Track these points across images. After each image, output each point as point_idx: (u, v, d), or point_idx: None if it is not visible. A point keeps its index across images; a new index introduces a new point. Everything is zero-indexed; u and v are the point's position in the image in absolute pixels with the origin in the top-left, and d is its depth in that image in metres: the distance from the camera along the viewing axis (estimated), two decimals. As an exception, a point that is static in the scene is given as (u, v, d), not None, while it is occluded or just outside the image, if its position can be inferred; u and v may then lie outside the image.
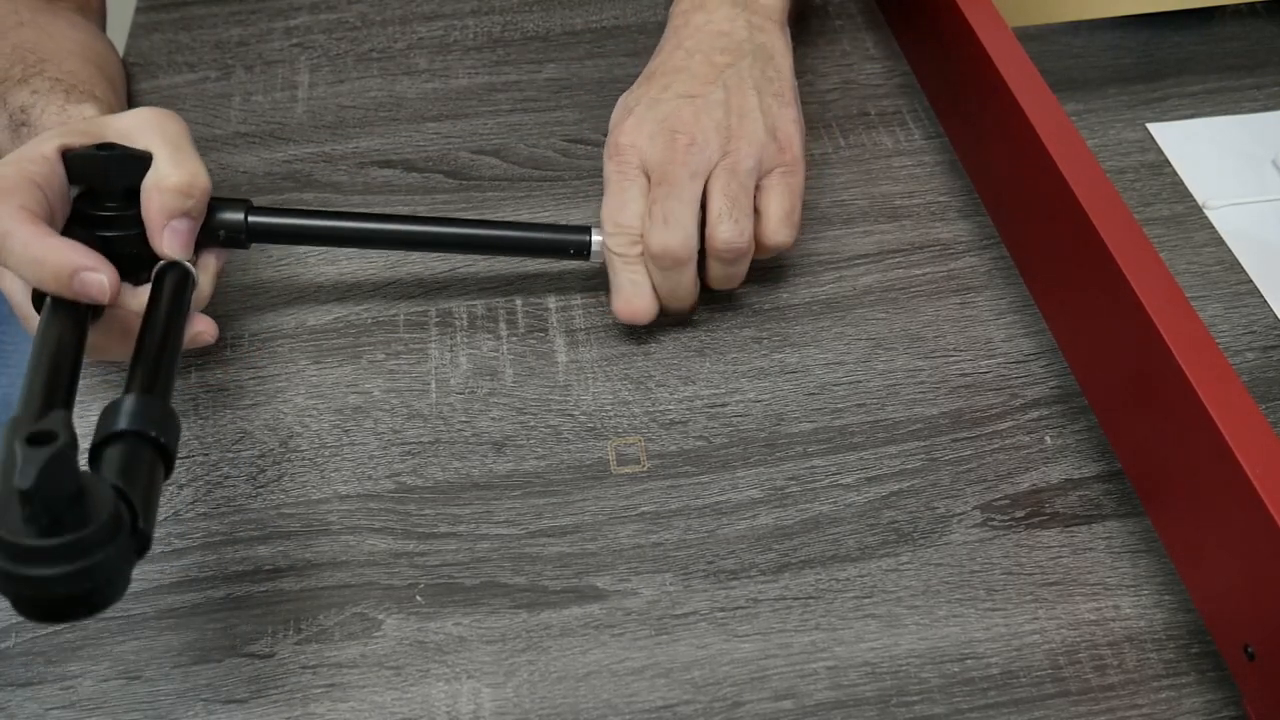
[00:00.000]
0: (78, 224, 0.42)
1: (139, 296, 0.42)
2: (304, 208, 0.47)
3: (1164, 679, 0.39)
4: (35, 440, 0.27)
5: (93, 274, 0.38)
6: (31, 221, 0.38)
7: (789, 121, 0.48)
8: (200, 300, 0.44)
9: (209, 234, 0.44)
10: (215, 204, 0.44)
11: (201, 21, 0.67)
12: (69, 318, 0.38)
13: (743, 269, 0.48)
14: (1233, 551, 0.35)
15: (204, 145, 0.59)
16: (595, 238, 0.47)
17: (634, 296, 0.47)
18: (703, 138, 0.46)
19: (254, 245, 0.46)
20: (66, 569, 0.28)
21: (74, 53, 0.52)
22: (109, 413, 0.33)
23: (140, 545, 0.31)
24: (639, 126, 0.47)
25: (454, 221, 0.49)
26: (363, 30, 0.66)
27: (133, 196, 0.42)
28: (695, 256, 0.46)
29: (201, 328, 0.43)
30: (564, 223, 0.49)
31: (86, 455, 0.33)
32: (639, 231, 0.46)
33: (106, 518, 0.28)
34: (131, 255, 0.42)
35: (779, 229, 0.47)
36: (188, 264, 0.43)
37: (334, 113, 0.61)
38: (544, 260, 0.52)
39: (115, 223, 0.42)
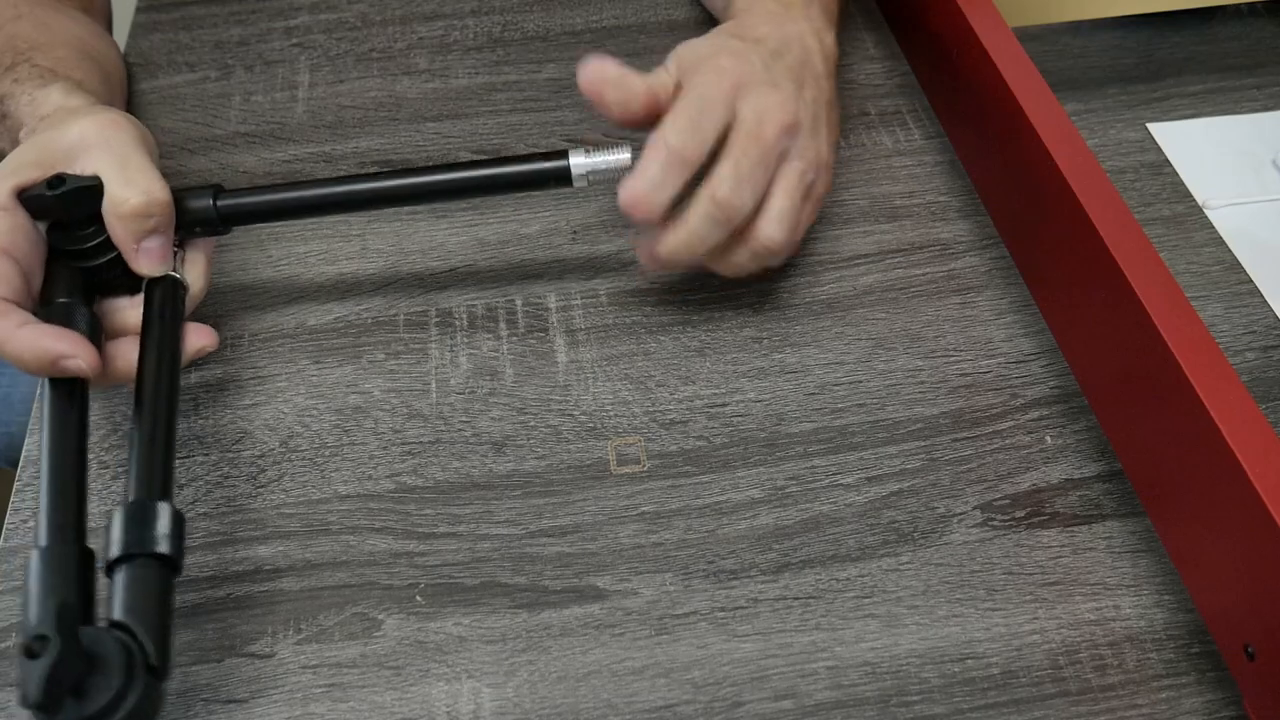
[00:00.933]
0: (57, 259, 0.42)
1: (137, 309, 0.42)
2: (274, 183, 0.46)
3: (1164, 679, 0.39)
4: (31, 652, 0.29)
5: (70, 360, 0.38)
6: (2, 315, 0.38)
7: (833, 161, 0.49)
8: (196, 296, 0.44)
9: (185, 229, 0.44)
10: (182, 195, 0.44)
11: (201, 21, 0.67)
12: (67, 390, 0.39)
13: (754, 266, 0.47)
14: (1233, 551, 0.35)
15: (204, 145, 0.59)
16: (575, 160, 0.45)
17: (652, 191, 0.43)
18: (797, 126, 0.45)
19: (248, 233, 0.46)
20: None
21: (67, 43, 0.52)
22: (117, 527, 0.35)
23: (159, 677, 0.32)
24: (752, 71, 0.45)
25: (429, 169, 0.46)
26: (363, 30, 0.66)
27: (100, 220, 0.41)
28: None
29: (203, 342, 0.43)
30: (539, 150, 0.47)
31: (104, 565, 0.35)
32: (698, 153, 0.43)
33: (118, 684, 0.30)
34: (119, 275, 0.42)
35: (792, 244, 0.46)
36: (173, 273, 0.43)
37: (334, 113, 0.61)
38: (528, 194, 0.50)
39: (90, 252, 0.42)
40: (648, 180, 0.42)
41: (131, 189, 0.41)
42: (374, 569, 0.42)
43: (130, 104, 0.62)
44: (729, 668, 0.39)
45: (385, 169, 0.46)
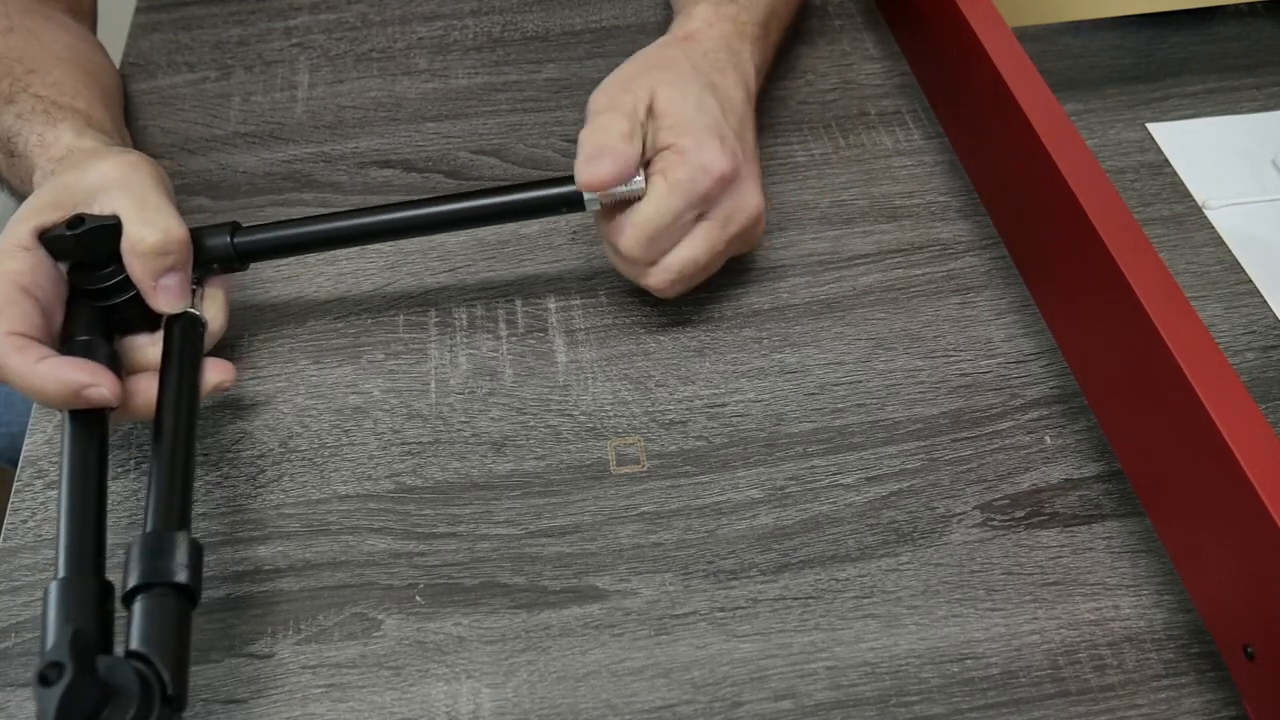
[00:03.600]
0: (78, 298, 0.42)
1: (157, 346, 0.43)
2: (290, 218, 0.47)
3: (1163, 679, 0.39)
4: (45, 680, 0.29)
5: (93, 389, 0.39)
6: (21, 350, 0.39)
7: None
8: (215, 332, 0.45)
9: (203, 266, 0.45)
10: (200, 234, 0.44)
11: (201, 21, 0.67)
12: (86, 422, 0.39)
13: (629, 273, 0.47)
14: (1232, 551, 0.35)
15: (204, 145, 0.59)
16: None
17: (606, 170, 0.43)
18: (734, 178, 0.45)
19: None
20: None
21: (63, 59, 0.52)
22: (136, 557, 0.35)
23: (176, 707, 0.32)
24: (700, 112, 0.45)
25: (442, 199, 0.47)
26: (362, 30, 0.66)
27: (119, 259, 0.42)
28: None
29: (221, 377, 0.43)
30: (549, 176, 0.46)
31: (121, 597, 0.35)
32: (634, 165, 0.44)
33: (134, 713, 0.31)
34: (139, 313, 0.43)
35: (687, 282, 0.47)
36: (192, 310, 0.43)
37: (333, 113, 0.61)
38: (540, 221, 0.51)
39: (110, 291, 0.42)
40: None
41: (149, 228, 0.41)
42: (373, 569, 0.42)
43: (129, 104, 0.62)
44: (728, 668, 0.39)
45: (402, 199, 0.47)
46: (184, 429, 0.40)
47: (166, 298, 0.42)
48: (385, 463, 0.45)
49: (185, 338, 0.42)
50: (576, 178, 0.44)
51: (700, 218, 0.45)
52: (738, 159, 0.45)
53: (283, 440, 0.46)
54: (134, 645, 0.33)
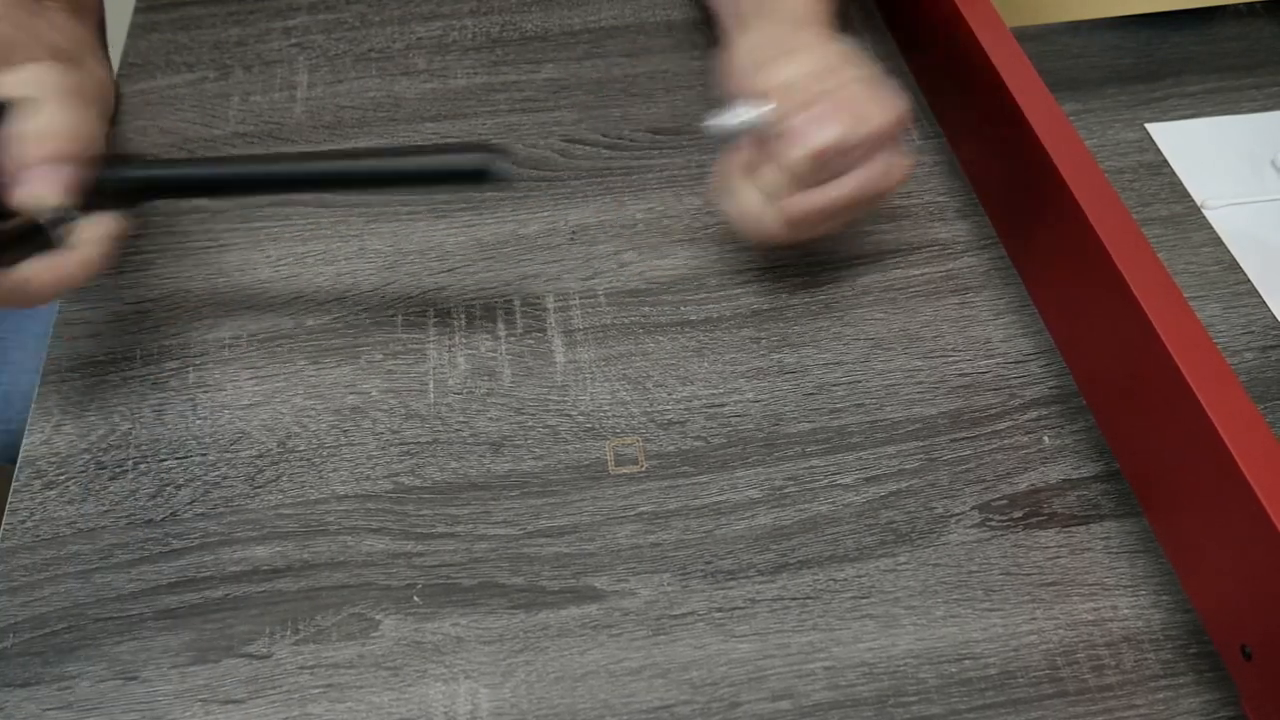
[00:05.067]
0: None
1: None
2: (188, 158, 0.43)
3: (1161, 679, 0.39)
4: None
5: None
6: None
7: None
8: (82, 261, 0.40)
9: (92, 197, 0.40)
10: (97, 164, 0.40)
11: (200, 21, 0.67)
12: None
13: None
14: (1230, 552, 0.35)
15: (203, 145, 0.59)
16: (719, 119, 0.45)
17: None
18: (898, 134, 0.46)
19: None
20: None
21: (47, 53, 0.52)
22: None
23: None
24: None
25: (338, 155, 0.43)
26: (361, 30, 0.66)
27: None
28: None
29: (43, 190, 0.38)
30: (457, 140, 0.44)
31: None
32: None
33: None
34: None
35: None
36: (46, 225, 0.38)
37: (332, 113, 0.61)
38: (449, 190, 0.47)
39: None
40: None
41: (35, 114, 0.38)
42: (371, 569, 0.42)
43: (129, 104, 0.62)
44: (726, 668, 0.39)
45: (309, 149, 0.43)
46: None
47: (32, 185, 0.38)
48: (384, 463, 0.45)
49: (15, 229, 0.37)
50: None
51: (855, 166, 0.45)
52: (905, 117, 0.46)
53: (281, 440, 0.46)
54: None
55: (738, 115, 0.45)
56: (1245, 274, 0.51)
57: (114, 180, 0.41)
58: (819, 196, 0.45)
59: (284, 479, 0.45)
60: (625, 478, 0.45)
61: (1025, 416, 0.46)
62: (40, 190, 0.38)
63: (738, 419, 0.46)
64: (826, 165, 0.44)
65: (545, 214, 0.55)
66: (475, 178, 0.41)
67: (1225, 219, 0.53)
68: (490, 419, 0.47)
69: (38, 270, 0.38)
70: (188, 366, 0.49)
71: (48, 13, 0.56)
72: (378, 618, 0.41)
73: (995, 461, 0.45)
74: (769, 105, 0.45)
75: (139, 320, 0.51)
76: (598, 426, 0.46)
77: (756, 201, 0.46)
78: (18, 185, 0.38)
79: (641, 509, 0.44)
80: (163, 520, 0.44)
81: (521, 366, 0.49)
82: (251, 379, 0.48)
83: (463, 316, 0.51)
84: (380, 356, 0.49)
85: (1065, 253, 0.45)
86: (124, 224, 0.42)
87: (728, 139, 0.46)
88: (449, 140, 0.44)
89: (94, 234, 0.40)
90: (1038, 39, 0.63)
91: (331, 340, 0.50)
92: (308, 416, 0.47)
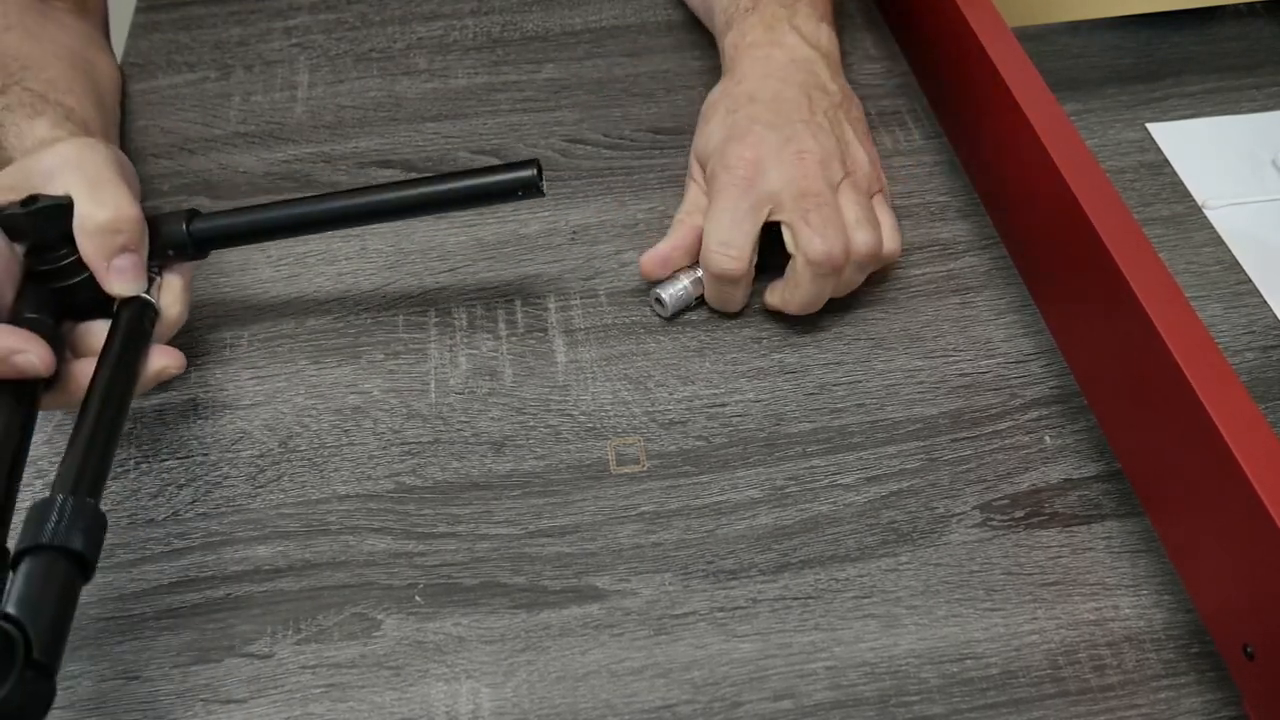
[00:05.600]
0: (33, 280, 0.42)
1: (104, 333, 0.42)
2: (249, 204, 0.46)
3: (1163, 679, 0.39)
4: None
5: (21, 355, 0.38)
6: None
7: (875, 153, 0.51)
8: (171, 322, 0.44)
9: (159, 254, 0.44)
10: (156, 220, 0.44)
11: (201, 21, 0.67)
12: (13, 392, 0.38)
13: (863, 276, 0.49)
14: (1232, 551, 0.35)
15: (203, 145, 0.59)
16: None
17: (732, 306, 0.50)
18: (827, 157, 0.47)
19: (236, 250, 0.46)
20: None
21: (59, 58, 0.52)
22: (30, 519, 0.33)
23: (41, 674, 0.30)
24: (762, 141, 0.48)
25: (398, 185, 0.46)
26: (362, 30, 0.66)
27: (73, 241, 0.42)
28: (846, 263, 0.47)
29: (165, 362, 0.42)
30: (506, 161, 0.47)
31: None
32: (747, 257, 0.47)
33: None
34: (94, 298, 0.42)
35: (893, 236, 0.49)
36: (145, 295, 0.43)
37: (333, 113, 0.61)
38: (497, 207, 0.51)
39: (64, 272, 0.42)
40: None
41: (99, 205, 0.41)
42: (373, 569, 0.42)
43: (130, 104, 0.62)
44: (728, 668, 0.39)
45: (364, 184, 0.46)
46: (112, 402, 0.38)
47: (120, 279, 0.42)
48: (385, 463, 0.45)
49: (132, 320, 0.42)
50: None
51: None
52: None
53: (282, 440, 0.46)
54: (7, 607, 0.31)
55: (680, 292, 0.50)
56: (1246, 274, 0.51)
57: (176, 237, 0.44)
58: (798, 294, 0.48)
59: (285, 479, 0.45)
60: (627, 477, 0.45)
61: (1026, 416, 0.46)
62: (128, 283, 0.42)
63: (739, 419, 0.46)
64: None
65: (546, 214, 0.55)
66: (524, 191, 0.45)
67: (1226, 219, 0.54)
68: (492, 419, 0.47)
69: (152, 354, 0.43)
70: (188, 366, 0.49)
71: (55, 13, 0.56)
72: (379, 617, 0.41)
73: (996, 461, 0.45)
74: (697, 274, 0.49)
75: (140, 320, 0.51)
76: (599, 426, 0.46)
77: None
78: (108, 278, 0.42)
79: (643, 509, 0.44)
80: (164, 520, 0.44)
81: (523, 366, 0.49)
82: (252, 379, 0.48)
83: (464, 316, 0.51)
84: (381, 356, 0.49)
85: (1066, 253, 0.45)
86: (191, 271, 0.46)
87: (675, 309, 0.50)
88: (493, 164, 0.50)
89: (171, 291, 0.44)
90: (1038, 39, 0.63)
91: (333, 340, 0.50)
92: (309, 416, 0.47)
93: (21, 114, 0.48)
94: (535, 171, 0.44)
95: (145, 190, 0.56)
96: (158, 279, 0.44)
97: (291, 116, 0.61)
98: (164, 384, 0.48)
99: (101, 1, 0.62)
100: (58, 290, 0.42)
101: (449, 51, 0.65)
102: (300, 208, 0.46)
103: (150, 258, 0.43)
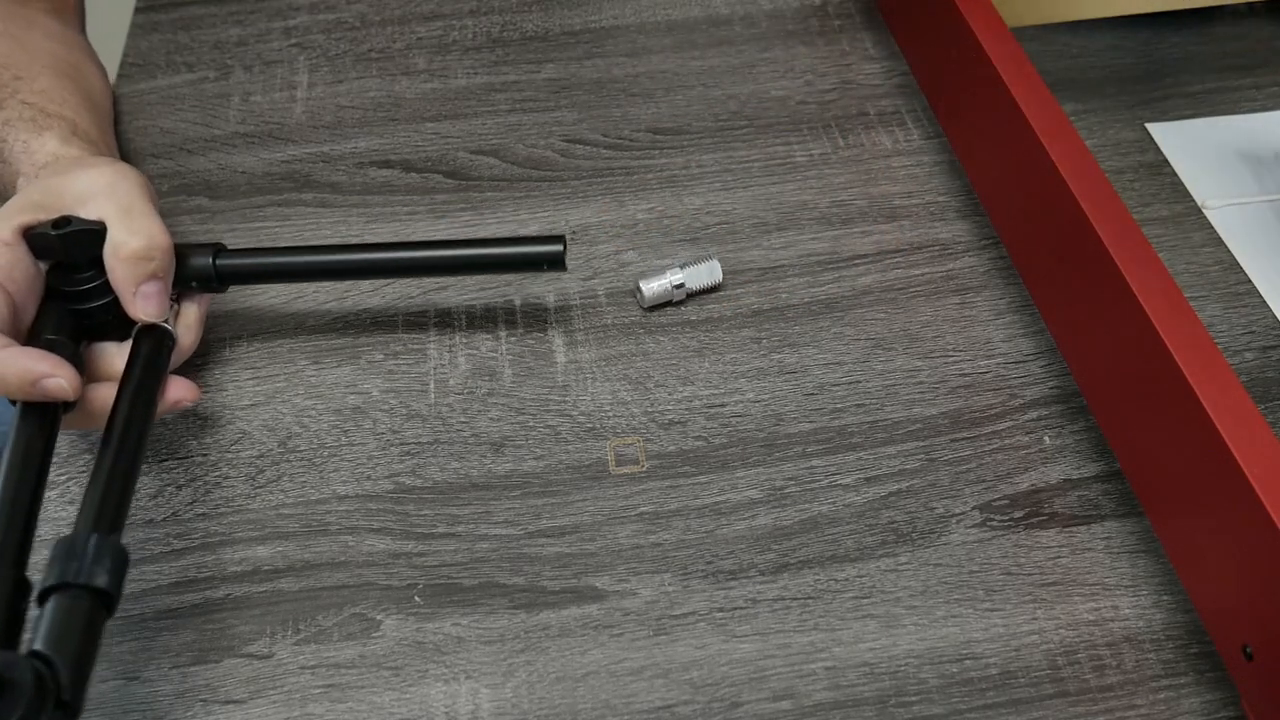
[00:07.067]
0: (53, 299, 0.42)
1: (124, 355, 0.42)
2: (276, 245, 0.47)
3: (1162, 679, 0.39)
4: None
5: (51, 379, 0.38)
6: None
7: None
8: (184, 350, 0.44)
9: (182, 283, 0.45)
10: (184, 250, 0.45)
11: (200, 21, 0.67)
12: (38, 417, 0.39)
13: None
14: (1231, 552, 0.35)
15: (203, 145, 0.59)
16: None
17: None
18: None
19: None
20: None
21: (49, 67, 0.52)
22: (56, 555, 0.34)
23: (70, 713, 0.31)
24: None
25: (424, 245, 0.48)
26: (361, 30, 0.66)
27: (99, 265, 0.42)
28: None
29: (181, 394, 0.42)
30: (534, 234, 0.48)
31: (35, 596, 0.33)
32: None
33: (21, 713, 0.29)
34: (111, 320, 0.43)
35: None
36: (164, 324, 0.43)
37: (333, 113, 0.61)
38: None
39: (88, 295, 0.43)
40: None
41: (133, 234, 0.42)
42: (372, 569, 0.42)
43: (129, 104, 0.62)
44: (727, 668, 0.39)
45: (390, 241, 0.49)
46: (133, 436, 0.39)
47: (145, 305, 0.42)
48: (384, 463, 0.45)
49: (153, 349, 0.42)
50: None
51: None
52: None
53: (282, 440, 0.46)
54: (37, 645, 0.32)
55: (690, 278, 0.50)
56: (1245, 274, 0.51)
57: (201, 270, 0.45)
58: None
59: (285, 479, 0.45)
60: (626, 478, 0.45)
61: (1026, 416, 0.46)
62: (153, 309, 0.43)
63: (738, 419, 0.46)
64: None
65: (546, 214, 0.55)
66: (549, 264, 0.46)
67: (1225, 219, 0.54)
68: (491, 419, 0.47)
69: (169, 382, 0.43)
70: (188, 366, 0.49)
71: (37, 16, 0.56)
72: (379, 618, 0.41)
73: (996, 461, 0.45)
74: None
75: (139, 320, 0.51)
76: (598, 426, 0.46)
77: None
78: (134, 304, 0.42)
79: (642, 509, 0.44)
80: (164, 520, 0.44)
81: (522, 366, 0.49)
82: (252, 379, 0.48)
83: (463, 316, 0.51)
84: (381, 356, 0.49)
85: (1065, 253, 0.45)
86: (208, 303, 0.47)
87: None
88: (522, 234, 0.52)
89: (188, 320, 0.45)
90: (1038, 39, 0.63)
91: (332, 340, 0.50)
92: (308, 416, 0.47)
93: (25, 129, 0.48)
94: (562, 247, 0.45)
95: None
96: (175, 306, 0.45)
97: (291, 116, 0.61)
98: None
99: (79, 1, 0.62)
100: (76, 311, 0.43)
101: (448, 51, 0.65)
102: (327, 256, 0.47)
103: (173, 286, 0.44)
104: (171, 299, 0.44)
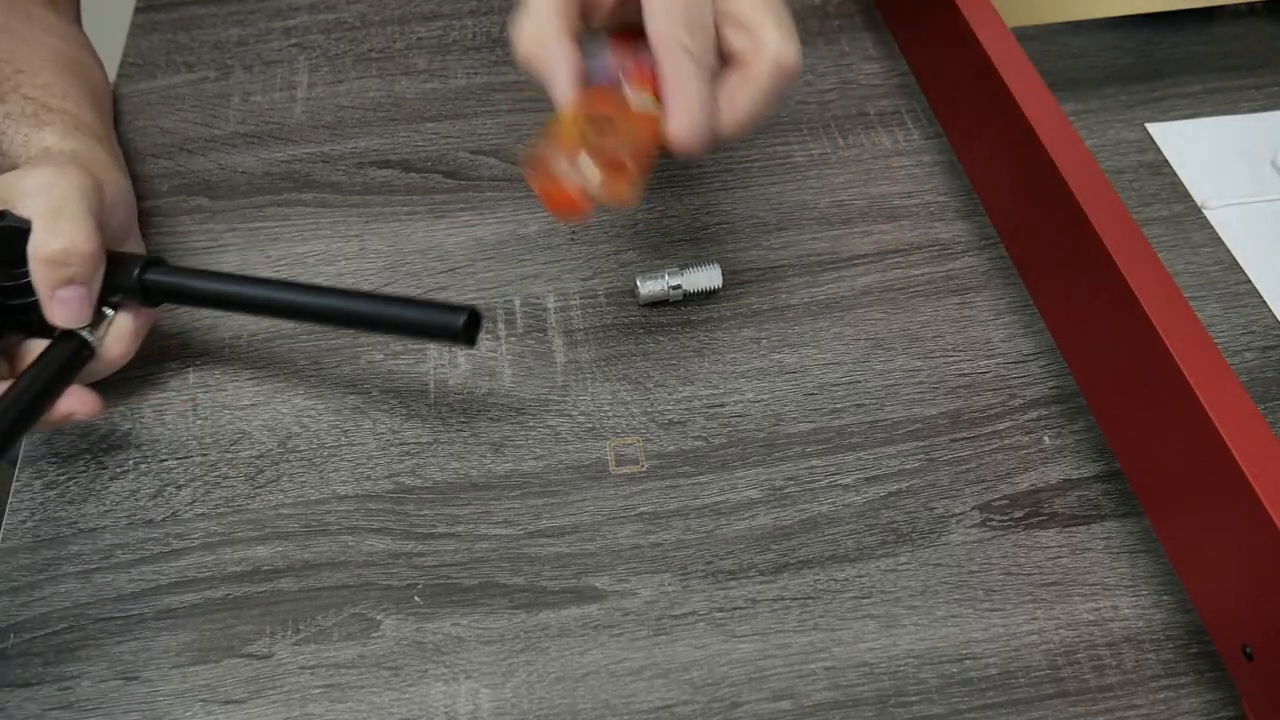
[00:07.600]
0: None
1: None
2: (212, 270, 0.45)
3: (1162, 679, 0.39)
4: None
5: None
6: None
7: None
8: (112, 361, 0.44)
9: (110, 292, 0.44)
10: (116, 260, 0.44)
11: (200, 21, 0.67)
12: (68, 344, 0.39)
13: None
14: (1231, 552, 0.35)
15: (202, 145, 0.59)
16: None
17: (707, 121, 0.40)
18: None
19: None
20: None
21: (50, 61, 0.52)
22: None
23: None
24: None
25: (339, 293, 0.44)
26: (361, 30, 0.66)
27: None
28: None
29: (74, 407, 0.41)
30: (442, 300, 0.45)
31: None
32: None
33: None
34: (36, 320, 0.42)
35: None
36: (84, 333, 0.43)
37: (333, 113, 0.61)
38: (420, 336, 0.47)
39: (13, 291, 0.42)
40: (701, 108, 0.39)
41: (53, 236, 0.41)
42: (372, 569, 0.42)
43: (129, 104, 0.62)
44: (727, 668, 0.39)
45: (319, 285, 0.45)
46: (5, 428, 0.39)
47: (60, 310, 0.42)
48: (384, 463, 0.45)
49: (59, 356, 0.42)
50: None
51: None
52: None
53: (281, 440, 0.46)
54: None
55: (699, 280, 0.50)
56: (1245, 274, 0.51)
57: (125, 282, 0.44)
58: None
59: (284, 479, 0.45)
60: (626, 478, 0.45)
61: (1025, 416, 0.46)
62: (67, 315, 0.42)
63: (738, 419, 0.46)
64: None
65: (545, 214, 0.55)
66: (449, 336, 0.41)
67: (1225, 219, 0.54)
68: (491, 419, 0.47)
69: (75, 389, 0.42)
70: (188, 366, 0.49)
71: (37, 11, 0.56)
72: (378, 618, 0.41)
73: (995, 461, 0.45)
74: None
75: (139, 320, 0.51)
76: (598, 426, 0.46)
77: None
78: (49, 307, 0.42)
79: (642, 509, 0.44)
80: (163, 520, 0.44)
81: (522, 366, 0.49)
82: (252, 379, 0.48)
83: (463, 316, 0.51)
84: (381, 357, 0.49)
85: (1065, 253, 0.45)
86: (149, 317, 0.46)
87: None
88: (436, 299, 0.47)
89: (120, 331, 0.44)
90: (1038, 39, 0.63)
91: (332, 340, 0.50)
92: (308, 416, 0.47)
93: (25, 123, 0.48)
94: (462, 322, 0.40)
95: (144, 190, 0.56)
96: (110, 316, 0.44)
97: (291, 117, 0.61)
98: (121, 394, 0.48)
99: None
100: (7, 306, 0.42)
101: (448, 52, 0.65)
102: (256, 290, 0.44)
103: (103, 295, 0.43)
104: (109, 307, 0.44)
